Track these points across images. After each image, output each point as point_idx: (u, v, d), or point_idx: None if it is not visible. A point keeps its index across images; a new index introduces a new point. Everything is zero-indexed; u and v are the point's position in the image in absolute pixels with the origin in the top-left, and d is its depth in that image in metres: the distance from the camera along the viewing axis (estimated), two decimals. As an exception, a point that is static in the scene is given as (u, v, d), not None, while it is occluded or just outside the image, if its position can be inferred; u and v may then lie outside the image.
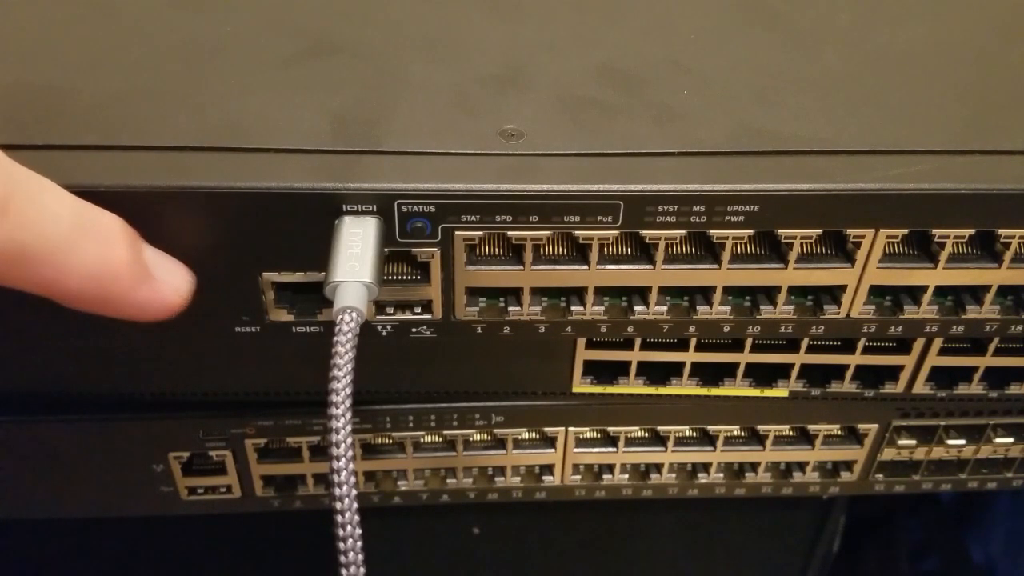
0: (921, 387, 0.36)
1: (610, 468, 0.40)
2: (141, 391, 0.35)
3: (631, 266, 0.30)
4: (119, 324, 0.31)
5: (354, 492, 0.24)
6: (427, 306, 0.31)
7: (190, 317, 0.31)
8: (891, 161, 0.30)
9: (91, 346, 0.32)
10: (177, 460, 0.37)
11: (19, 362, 0.33)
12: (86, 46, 0.34)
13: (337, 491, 0.24)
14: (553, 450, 0.39)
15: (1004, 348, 0.35)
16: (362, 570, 0.24)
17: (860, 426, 0.39)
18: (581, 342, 0.34)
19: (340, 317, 0.26)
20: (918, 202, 0.29)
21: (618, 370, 0.35)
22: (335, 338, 0.25)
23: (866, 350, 0.35)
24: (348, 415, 0.24)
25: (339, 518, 0.24)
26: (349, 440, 0.24)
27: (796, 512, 0.51)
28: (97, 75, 0.32)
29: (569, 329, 0.32)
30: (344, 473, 0.24)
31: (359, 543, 0.24)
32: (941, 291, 0.32)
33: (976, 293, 0.32)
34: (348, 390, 0.25)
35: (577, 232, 0.29)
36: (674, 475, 0.40)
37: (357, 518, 0.24)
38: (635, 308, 0.32)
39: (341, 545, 0.24)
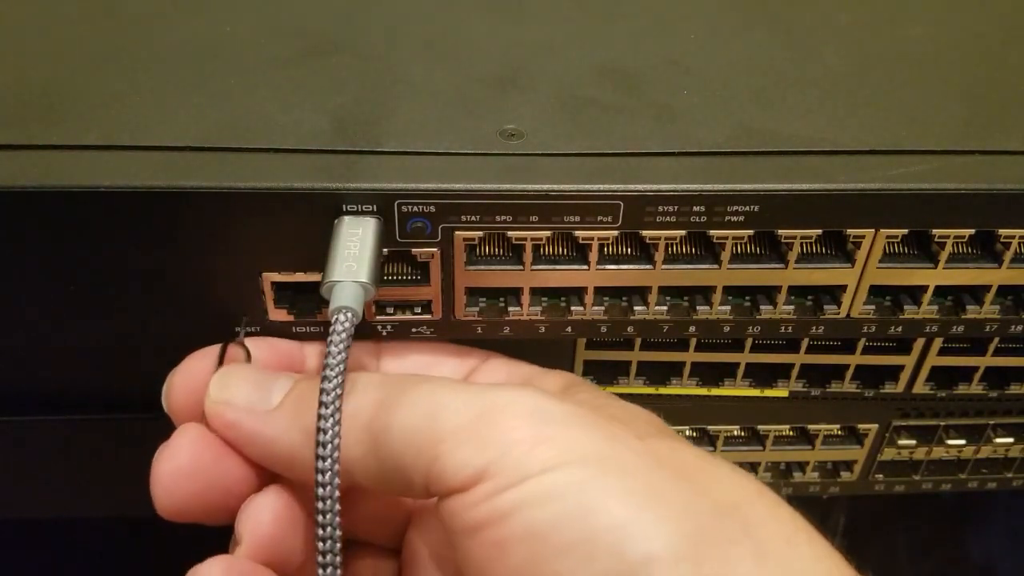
0: (921, 387, 0.36)
1: (610, 468, 0.40)
2: (141, 391, 0.35)
3: (631, 266, 0.30)
4: (118, 324, 0.31)
5: (336, 494, 0.24)
6: (427, 306, 0.31)
7: (190, 317, 0.31)
8: (891, 161, 0.30)
9: (91, 346, 0.32)
10: (177, 460, 0.37)
11: (19, 362, 0.33)
12: (87, 46, 0.34)
13: (320, 491, 0.24)
14: (553, 450, 0.39)
15: (1004, 348, 0.35)
16: (339, 572, 0.24)
17: (860, 426, 0.39)
18: (581, 342, 0.34)
19: (335, 317, 0.26)
20: (918, 202, 0.29)
21: (618, 370, 0.35)
22: (328, 338, 0.25)
23: (866, 350, 0.35)
24: (338, 415, 0.24)
25: (320, 518, 0.24)
26: (336, 441, 0.24)
27: (796, 512, 0.51)
28: (97, 75, 0.32)
29: (569, 329, 0.32)
30: (328, 474, 0.24)
31: (338, 544, 0.24)
32: (941, 291, 0.32)
33: (976, 293, 0.32)
34: (339, 391, 0.25)
35: (577, 232, 0.29)
36: (674, 475, 0.40)
37: (338, 519, 0.24)
38: (635, 308, 0.32)
39: (320, 545, 0.24)
